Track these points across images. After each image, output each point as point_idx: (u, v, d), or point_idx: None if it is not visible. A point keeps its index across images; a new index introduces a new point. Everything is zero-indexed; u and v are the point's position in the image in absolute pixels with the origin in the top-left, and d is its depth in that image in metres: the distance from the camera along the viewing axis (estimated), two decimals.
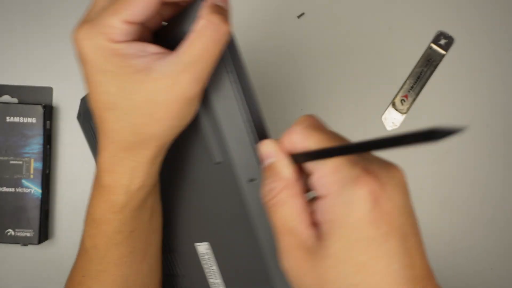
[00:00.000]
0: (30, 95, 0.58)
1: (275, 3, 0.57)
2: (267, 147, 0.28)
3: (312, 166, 0.26)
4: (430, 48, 0.57)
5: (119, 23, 0.26)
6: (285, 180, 0.27)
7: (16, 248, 0.58)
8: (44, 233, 0.57)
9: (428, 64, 0.57)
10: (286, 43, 0.57)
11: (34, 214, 0.55)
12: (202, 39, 0.26)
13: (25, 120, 0.56)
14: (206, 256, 0.37)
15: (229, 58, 0.30)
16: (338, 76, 0.57)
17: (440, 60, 0.57)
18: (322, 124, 0.29)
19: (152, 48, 0.27)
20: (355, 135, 0.56)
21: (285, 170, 0.27)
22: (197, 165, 0.35)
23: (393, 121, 0.57)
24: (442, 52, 0.56)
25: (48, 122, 0.56)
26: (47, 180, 0.57)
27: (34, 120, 0.56)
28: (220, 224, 0.35)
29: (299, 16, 0.57)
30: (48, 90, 0.58)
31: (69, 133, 0.57)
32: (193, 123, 0.31)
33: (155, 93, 0.26)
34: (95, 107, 0.28)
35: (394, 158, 0.57)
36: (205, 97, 0.30)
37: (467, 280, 0.56)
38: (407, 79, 0.57)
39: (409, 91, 0.57)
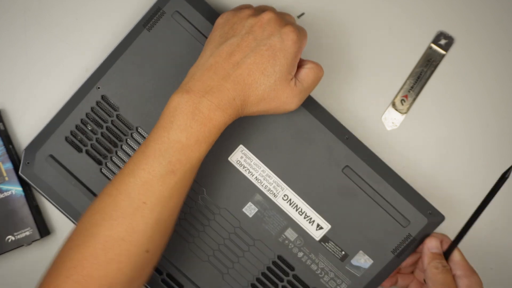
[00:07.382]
0: None
1: (275, 3, 0.57)
2: (433, 242, 0.50)
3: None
4: (430, 48, 0.57)
5: None
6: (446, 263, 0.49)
7: (23, 251, 0.58)
8: (43, 227, 0.56)
9: (428, 64, 0.57)
10: None
11: (25, 212, 0.55)
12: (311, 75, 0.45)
13: None
14: (243, 158, 0.48)
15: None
16: (338, 76, 0.57)
17: (440, 60, 0.57)
18: None
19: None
20: (355, 135, 0.56)
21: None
22: None
23: (393, 121, 0.57)
24: (442, 52, 0.57)
25: (0, 124, 0.56)
26: None
27: None
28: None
29: (299, 16, 0.57)
30: None
31: (27, 131, 0.57)
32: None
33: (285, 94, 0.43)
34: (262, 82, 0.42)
35: (395, 158, 0.56)
36: None
37: None
38: (407, 79, 0.57)
39: (409, 91, 0.57)
